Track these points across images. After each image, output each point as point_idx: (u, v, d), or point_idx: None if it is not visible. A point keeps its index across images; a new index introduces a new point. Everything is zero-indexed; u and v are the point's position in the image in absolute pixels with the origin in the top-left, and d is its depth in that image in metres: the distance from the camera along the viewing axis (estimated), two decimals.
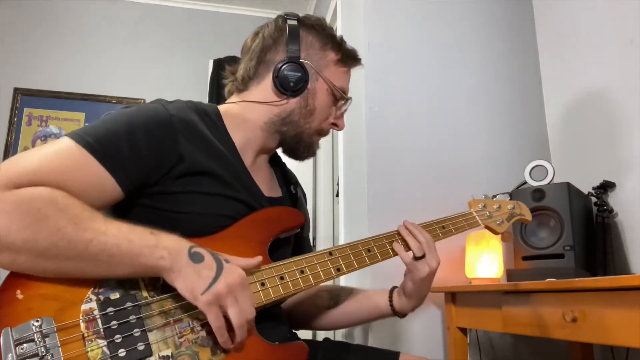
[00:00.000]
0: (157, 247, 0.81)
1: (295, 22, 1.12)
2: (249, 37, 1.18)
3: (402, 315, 1.22)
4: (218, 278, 0.82)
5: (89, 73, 3.47)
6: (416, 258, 1.12)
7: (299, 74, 1.09)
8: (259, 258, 0.93)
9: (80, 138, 0.86)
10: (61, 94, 3.40)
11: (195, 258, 0.83)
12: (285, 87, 1.09)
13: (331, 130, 1.22)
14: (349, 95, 1.19)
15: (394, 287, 1.25)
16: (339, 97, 1.16)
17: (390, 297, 1.22)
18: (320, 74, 1.12)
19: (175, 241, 0.84)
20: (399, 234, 1.15)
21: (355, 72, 2.13)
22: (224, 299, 0.82)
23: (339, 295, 1.28)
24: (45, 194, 0.78)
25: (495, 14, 2.35)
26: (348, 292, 1.29)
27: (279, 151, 1.23)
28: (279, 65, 1.09)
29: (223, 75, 1.23)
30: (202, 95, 3.33)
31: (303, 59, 1.10)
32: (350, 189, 2.19)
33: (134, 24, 3.63)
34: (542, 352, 1.98)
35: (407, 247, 1.13)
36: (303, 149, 1.16)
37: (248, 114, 1.12)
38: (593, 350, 1.85)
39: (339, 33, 1.19)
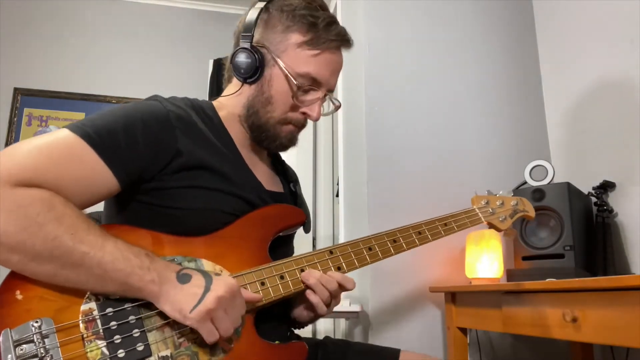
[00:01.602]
0: (149, 270, 0.81)
1: (262, 5, 1.08)
2: None
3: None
4: (206, 294, 0.82)
5: (89, 73, 3.47)
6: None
7: (249, 60, 1.03)
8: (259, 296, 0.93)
9: (78, 129, 0.86)
10: (61, 94, 3.40)
11: (183, 279, 0.83)
12: (238, 75, 1.05)
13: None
14: (325, 80, 1.07)
15: None
16: (294, 84, 1.04)
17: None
18: (276, 59, 1.04)
19: (166, 265, 0.84)
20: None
21: (356, 72, 2.13)
22: (215, 312, 0.82)
23: None
24: (45, 199, 0.78)
25: (495, 14, 2.35)
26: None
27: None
28: (233, 52, 1.06)
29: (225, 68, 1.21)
30: (202, 95, 3.31)
31: (260, 43, 1.05)
32: (350, 189, 2.20)
33: (134, 24, 3.63)
34: (542, 352, 1.98)
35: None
36: (269, 140, 1.08)
37: (230, 108, 1.11)
38: (593, 350, 1.85)
39: (321, 15, 1.11)
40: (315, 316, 1.08)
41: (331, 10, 2.85)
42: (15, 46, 3.39)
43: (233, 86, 1.11)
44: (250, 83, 1.05)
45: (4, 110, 3.30)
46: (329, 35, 1.06)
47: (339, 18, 2.54)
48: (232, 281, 0.86)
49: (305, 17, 1.05)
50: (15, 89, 3.34)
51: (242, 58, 1.03)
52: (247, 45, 1.04)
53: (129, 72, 3.53)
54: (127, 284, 0.80)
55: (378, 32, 2.17)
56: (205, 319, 0.81)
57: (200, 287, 0.83)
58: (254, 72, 1.04)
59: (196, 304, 0.81)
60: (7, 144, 3.24)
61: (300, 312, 1.08)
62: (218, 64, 3.40)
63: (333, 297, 1.01)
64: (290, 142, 1.11)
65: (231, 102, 1.11)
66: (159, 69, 3.58)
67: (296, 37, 1.04)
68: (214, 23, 3.73)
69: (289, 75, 1.04)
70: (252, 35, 1.05)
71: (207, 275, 0.85)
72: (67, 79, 3.43)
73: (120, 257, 0.80)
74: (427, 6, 2.26)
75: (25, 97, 3.35)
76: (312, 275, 0.99)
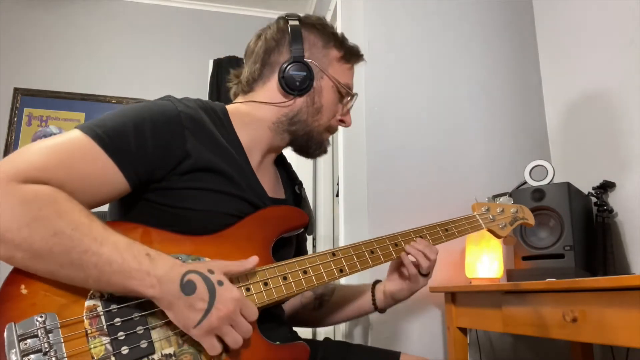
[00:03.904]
0: (149, 274, 0.79)
1: (297, 23, 1.14)
2: (251, 40, 1.19)
3: (383, 311, 1.30)
4: (210, 310, 0.81)
5: (89, 73, 3.47)
6: (421, 274, 1.19)
7: (304, 73, 1.10)
8: (255, 259, 0.92)
9: (89, 130, 0.87)
10: (61, 94, 3.40)
11: (187, 289, 0.80)
12: (292, 87, 1.10)
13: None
14: (354, 91, 1.21)
15: (376, 283, 1.30)
16: (345, 93, 1.17)
17: (373, 296, 1.27)
18: (325, 72, 1.14)
19: (170, 267, 0.82)
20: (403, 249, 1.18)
21: (356, 72, 2.13)
22: (219, 329, 0.82)
23: (323, 296, 1.30)
24: (48, 195, 0.78)
25: (495, 14, 2.35)
26: (331, 292, 1.31)
27: (286, 150, 1.24)
28: (285, 66, 1.10)
29: (227, 79, 1.23)
30: (202, 95, 3.31)
31: (307, 58, 1.12)
32: (350, 189, 2.20)
33: (134, 24, 3.64)
34: (542, 352, 1.98)
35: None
36: (315, 147, 1.18)
37: (257, 114, 1.13)
38: (593, 350, 1.85)
39: (339, 33, 1.20)
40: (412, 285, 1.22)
41: (331, 10, 2.86)
42: (15, 46, 3.39)
43: (270, 96, 1.13)
44: (301, 95, 1.12)
45: (4, 110, 3.29)
46: (354, 52, 1.20)
47: (339, 18, 2.55)
48: (236, 294, 0.84)
49: (335, 35, 1.18)
50: (15, 89, 3.34)
51: (298, 71, 1.10)
52: (300, 59, 1.11)
53: (129, 72, 3.53)
54: (125, 287, 0.80)
55: (378, 32, 2.18)
56: (208, 335, 0.81)
57: (205, 300, 0.81)
58: (307, 85, 1.11)
59: (200, 321, 0.80)
60: (7, 144, 3.25)
61: (397, 284, 1.23)
62: (218, 64, 3.40)
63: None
64: (327, 148, 1.22)
65: (263, 110, 1.13)
66: (159, 69, 3.58)
67: (335, 53, 1.17)
68: (214, 23, 3.73)
69: (339, 85, 1.16)
70: (303, 49, 1.12)
71: (210, 286, 0.82)
72: (67, 79, 3.43)
73: (119, 260, 0.79)
74: (427, 6, 2.26)
75: (25, 97, 3.35)
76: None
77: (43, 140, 0.85)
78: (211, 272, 0.84)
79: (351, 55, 1.19)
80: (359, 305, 1.29)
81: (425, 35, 2.23)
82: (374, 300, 1.27)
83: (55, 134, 3.31)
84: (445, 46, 2.24)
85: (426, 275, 1.20)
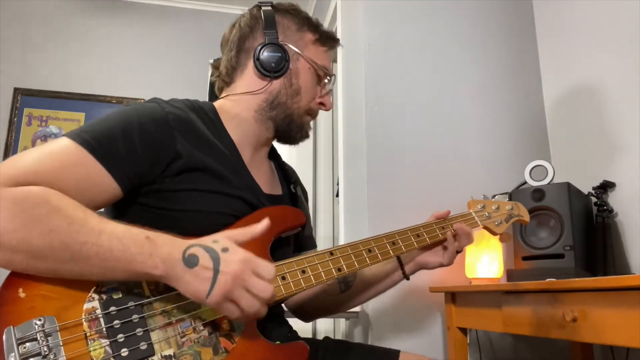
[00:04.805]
0: (151, 255, 0.79)
1: (269, 8, 1.15)
2: (226, 30, 1.20)
3: (409, 279, 1.33)
4: (217, 277, 0.78)
5: (89, 73, 3.47)
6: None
7: (279, 54, 1.10)
8: (265, 221, 0.88)
9: (77, 136, 0.87)
10: (61, 94, 3.40)
11: (190, 262, 0.79)
12: (267, 69, 1.10)
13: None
14: (331, 73, 1.20)
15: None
16: (322, 75, 1.17)
17: (402, 266, 1.30)
18: (301, 54, 1.14)
19: (170, 245, 0.81)
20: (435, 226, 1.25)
21: (356, 72, 2.13)
22: (232, 292, 0.79)
23: (346, 278, 1.30)
24: (39, 193, 0.78)
25: (495, 13, 2.35)
26: (353, 273, 1.29)
27: (279, 148, 1.24)
28: (259, 49, 1.10)
29: (211, 73, 1.24)
30: (201, 96, 3.31)
31: (281, 41, 1.12)
32: (350, 189, 2.20)
33: (134, 24, 3.63)
34: (542, 352, 1.98)
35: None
36: (296, 130, 1.16)
37: (239, 107, 1.12)
38: (593, 350, 1.85)
39: (339, 33, 1.20)
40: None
41: (331, 10, 2.85)
42: (15, 46, 3.38)
43: (248, 84, 1.13)
44: (278, 77, 1.11)
45: (4, 110, 3.29)
46: (330, 35, 1.20)
47: (339, 18, 2.54)
48: (242, 255, 0.82)
49: (309, 19, 1.17)
50: (15, 89, 3.34)
51: (273, 53, 1.10)
52: (274, 41, 1.11)
53: (129, 72, 3.53)
54: (130, 271, 0.79)
55: (378, 32, 2.17)
56: (223, 301, 0.79)
57: (209, 269, 0.79)
58: (283, 66, 1.11)
59: (210, 289, 0.78)
60: (7, 144, 3.24)
61: (427, 258, 1.28)
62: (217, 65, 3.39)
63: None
64: (308, 132, 1.20)
65: (244, 101, 1.13)
66: (159, 69, 3.57)
67: (310, 36, 1.16)
68: (214, 23, 3.72)
69: (316, 66, 1.15)
70: (277, 33, 1.12)
71: (213, 254, 0.80)
72: (67, 79, 3.42)
73: (120, 246, 0.78)
74: (427, 6, 2.26)
75: (25, 97, 3.34)
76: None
77: (32, 150, 0.85)
78: (215, 242, 0.82)
79: (327, 38, 1.19)
80: (390, 279, 1.31)
81: (425, 35, 2.23)
82: (403, 271, 1.29)
83: (55, 134, 3.31)
84: (445, 46, 2.24)
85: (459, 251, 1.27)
